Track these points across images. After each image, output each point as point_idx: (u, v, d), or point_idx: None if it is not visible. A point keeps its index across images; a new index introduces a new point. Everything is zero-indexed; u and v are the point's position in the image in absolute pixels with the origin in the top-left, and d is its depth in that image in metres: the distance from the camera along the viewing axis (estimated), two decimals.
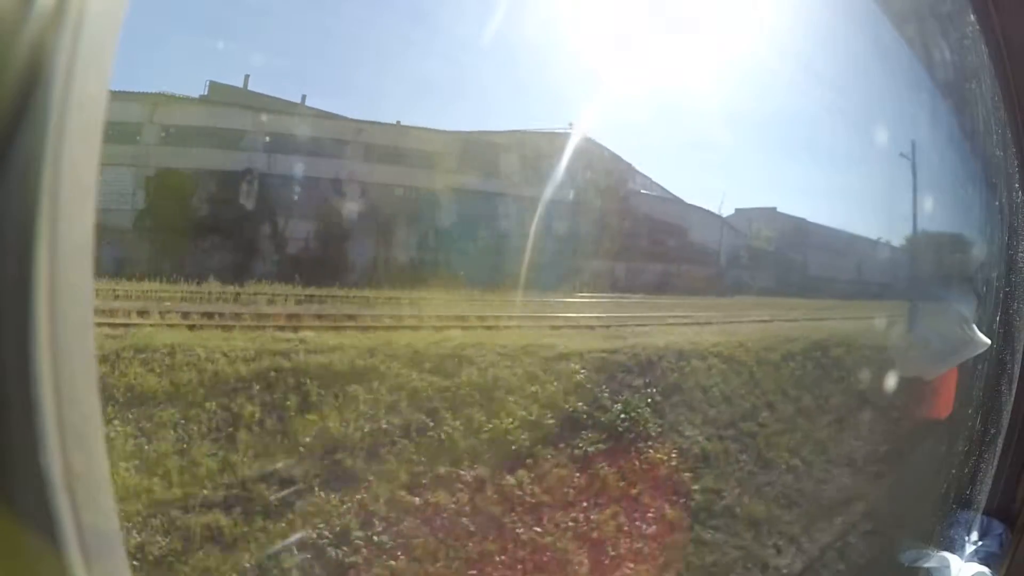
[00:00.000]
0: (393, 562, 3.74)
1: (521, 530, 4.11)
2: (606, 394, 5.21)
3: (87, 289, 0.47)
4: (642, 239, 8.13)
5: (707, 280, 9.07)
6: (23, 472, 0.43)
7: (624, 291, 7.43)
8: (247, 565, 3.50)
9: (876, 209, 8.74)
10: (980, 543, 2.19)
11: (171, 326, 4.57)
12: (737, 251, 9.57)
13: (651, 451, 4.92)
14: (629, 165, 7.92)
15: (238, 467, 3.84)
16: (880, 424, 6.08)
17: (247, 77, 5.96)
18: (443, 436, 4.43)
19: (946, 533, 2.31)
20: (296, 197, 6.17)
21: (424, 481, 4.13)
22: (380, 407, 4.42)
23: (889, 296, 8.67)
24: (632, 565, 4.21)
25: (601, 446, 4.79)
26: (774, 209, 9.93)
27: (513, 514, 4.17)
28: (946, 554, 2.14)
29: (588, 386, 5.19)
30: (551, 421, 4.81)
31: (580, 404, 5.01)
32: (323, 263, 6.14)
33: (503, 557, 3.96)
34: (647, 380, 5.52)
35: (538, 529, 4.13)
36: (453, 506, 4.07)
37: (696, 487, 4.95)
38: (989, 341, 2.51)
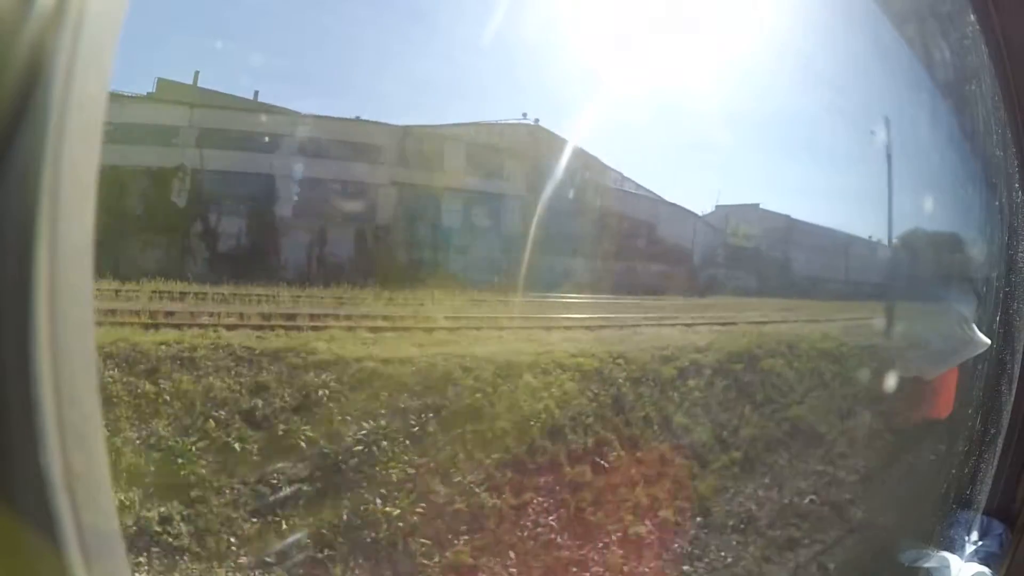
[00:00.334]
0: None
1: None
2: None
3: (87, 289, 0.47)
4: (601, 235, 7.61)
5: (671, 279, 8.58)
6: (23, 472, 0.43)
7: (573, 290, 6.97)
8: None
9: (875, 209, 8.63)
10: (980, 543, 2.19)
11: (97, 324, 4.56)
12: (712, 249, 9.20)
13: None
14: (594, 158, 7.55)
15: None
16: (881, 424, 6.07)
17: (197, 73, 5.91)
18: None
19: (946, 533, 2.31)
20: (229, 193, 6.07)
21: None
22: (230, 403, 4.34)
23: (879, 297, 8.50)
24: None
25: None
26: (757, 206, 9.62)
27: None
28: (946, 554, 2.14)
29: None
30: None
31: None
32: (257, 260, 6.01)
33: None
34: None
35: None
36: None
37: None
38: (989, 341, 2.51)
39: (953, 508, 2.41)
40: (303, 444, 4.18)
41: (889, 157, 7.30)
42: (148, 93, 6.00)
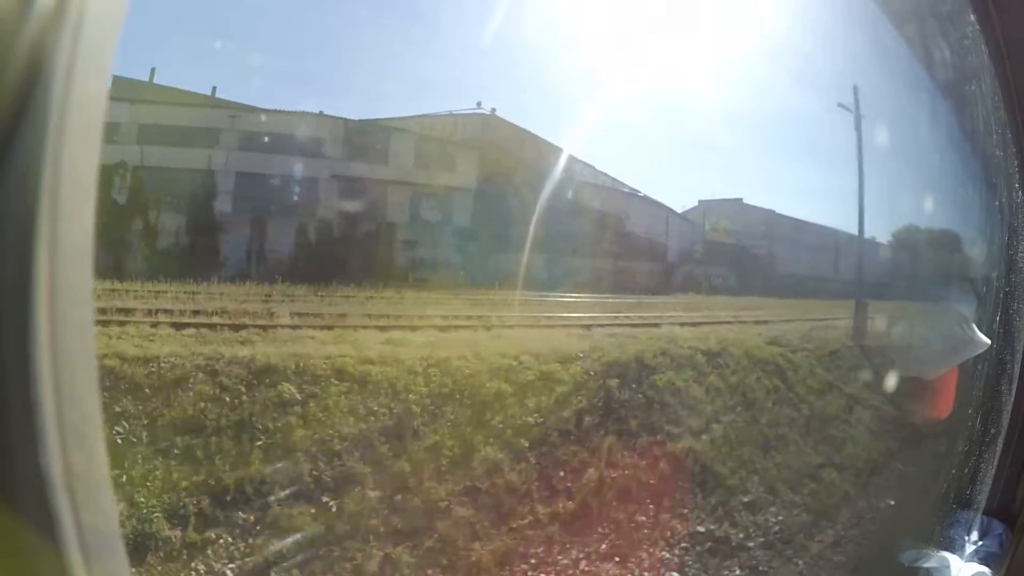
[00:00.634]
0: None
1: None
2: None
3: (87, 289, 0.47)
4: (557, 229, 6.94)
5: (639, 277, 7.96)
6: (23, 472, 0.43)
7: (516, 287, 6.39)
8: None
9: (873, 208, 8.55)
10: (980, 543, 2.19)
11: None
12: (688, 246, 8.70)
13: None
14: (557, 148, 6.97)
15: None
16: (878, 425, 6.01)
17: (153, 71, 5.82)
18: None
19: (946, 533, 2.31)
20: (170, 189, 5.94)
21: None
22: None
23: (863, 296, 8.22)
24: None
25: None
26: (740, 200, 9.12)
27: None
28: (946, 554, 2.14)
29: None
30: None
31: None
32: (193, 256, 5.83)
33: None
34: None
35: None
36: None
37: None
38: (989, 341, 2.51)
39: (953, 508, 2.41)
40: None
41: (858, 128, 7.11)
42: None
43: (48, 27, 0.42)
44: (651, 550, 4.25)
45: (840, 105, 6.73)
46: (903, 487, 5.26)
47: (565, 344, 5.57)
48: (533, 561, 4.04)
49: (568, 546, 4.14)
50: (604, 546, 4.19)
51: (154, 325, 4.80)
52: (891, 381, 6.25)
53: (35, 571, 0.44)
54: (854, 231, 8.41)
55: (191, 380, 4.30)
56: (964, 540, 2.23)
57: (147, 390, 4.15)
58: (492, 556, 3.96)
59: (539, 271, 6.69)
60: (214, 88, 6.08)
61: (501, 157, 6.79)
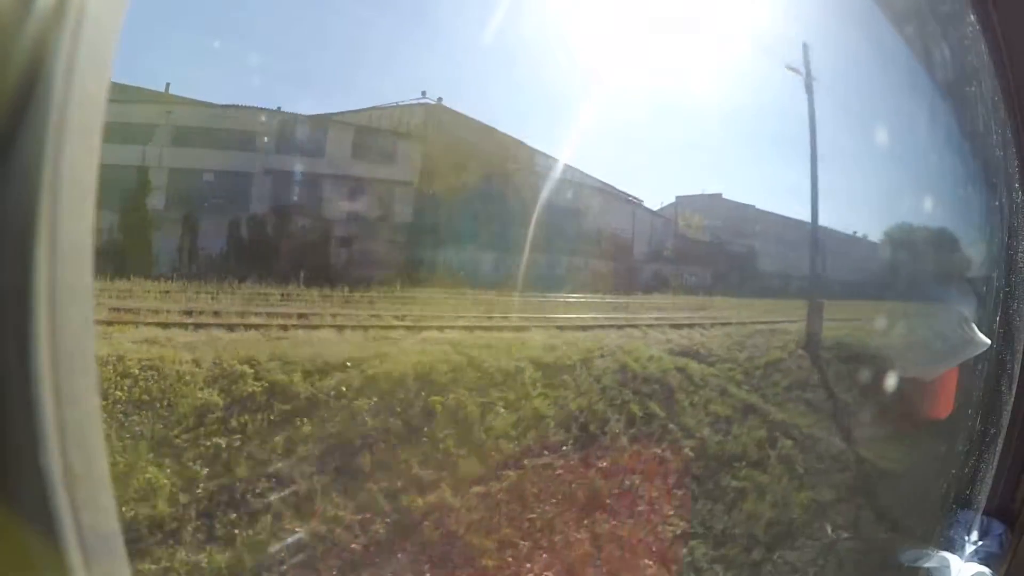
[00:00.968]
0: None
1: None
2: None
3: (87, 289, 0.47)
4: (502, 222, 6.38)
5: (601, 276, 7.38)
6: (23, 472, 0.43)
7: (459, 286, 5.93)
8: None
9: (873, 208, 8.47)
10: (980, 543, 2.19)
11: None
12: (658, 243, 8.29)
13: None
14: (515, 139, 6.52)
15: None
16: (876, 425, 5.97)
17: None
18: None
19: (946, 533, 2.31)
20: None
21: None
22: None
23: (857, 296, 7.97)
24: None
25: None
26: (719, 195, 8.65)
27: None
28: (946, 554, 2.14)
29: None
30: None
31: None
32: (116, 254, 5.64)
33: None
34: None
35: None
36: None
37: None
38: (989, 341, 2.51)
39: (953, 508, 2.41)
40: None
41: (809, 88, 6.91)
42: None
43: (48, 27, 0.42)
44: None
45: (791, 68, 6.59)
46: (903, 487, 5.25)
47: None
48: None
49: None
50: None
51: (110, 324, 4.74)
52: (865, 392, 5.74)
53: (35, 571, 0.44)
54: (851, 231, 8.32)
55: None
56: (964, 540, 2.23)
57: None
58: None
59: (456, 265, 6.12)
60: (167, 84, 5.84)
61: (446, 148, 6.58)
